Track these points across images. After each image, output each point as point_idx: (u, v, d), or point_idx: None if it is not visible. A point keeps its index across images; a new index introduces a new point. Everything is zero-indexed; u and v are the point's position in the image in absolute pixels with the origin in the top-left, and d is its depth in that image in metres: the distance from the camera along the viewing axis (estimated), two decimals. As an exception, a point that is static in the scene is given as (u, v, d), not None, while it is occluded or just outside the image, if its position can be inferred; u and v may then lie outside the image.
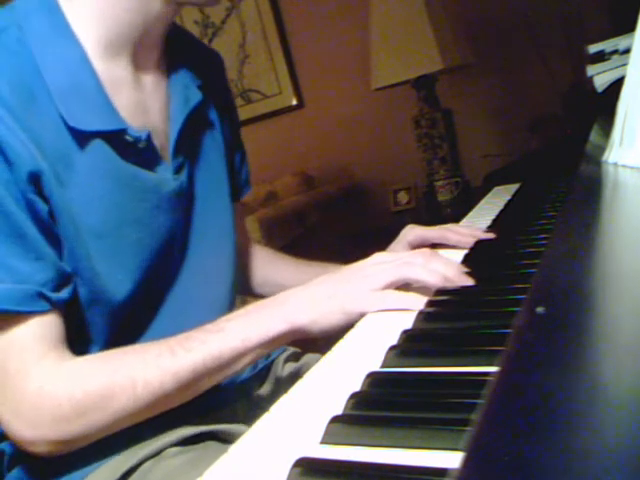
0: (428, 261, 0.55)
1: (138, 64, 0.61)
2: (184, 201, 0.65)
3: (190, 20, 2.70)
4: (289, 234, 1.96)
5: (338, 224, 2.26)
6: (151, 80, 0.63)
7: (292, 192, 2.30)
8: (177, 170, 0.64)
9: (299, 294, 0.56)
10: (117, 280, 0.59)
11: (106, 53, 0.58)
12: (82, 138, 0.55)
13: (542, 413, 0.21)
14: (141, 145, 0.59)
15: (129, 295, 0.60)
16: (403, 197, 2.15)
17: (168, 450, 0.59)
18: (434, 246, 0.72)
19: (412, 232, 0.74)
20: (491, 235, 0.71)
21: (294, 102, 2.59)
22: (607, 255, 0.37)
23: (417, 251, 0.58)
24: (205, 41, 2.69)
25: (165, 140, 0.63)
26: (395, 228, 1.93)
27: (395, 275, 0.54)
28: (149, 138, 0.60)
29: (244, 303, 0.87)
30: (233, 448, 0.36)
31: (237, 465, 0.34)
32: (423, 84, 2.01)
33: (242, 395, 0.73)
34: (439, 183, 2.02)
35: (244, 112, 2.69)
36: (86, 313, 0.59)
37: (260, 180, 2.53)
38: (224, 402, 0.68)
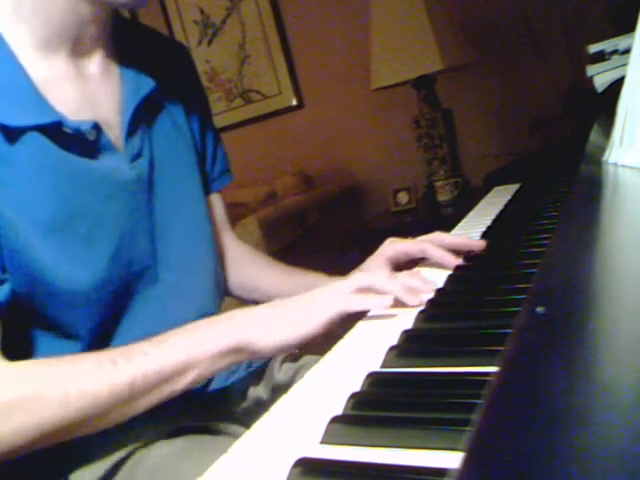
0: (390, 274, 0.57)
1: (81, 59, 0.62)
2: (145, 189, 0.65)
3: (190, 20, 2.70)
4: (289, 234, 1.96)
5: (338, 224, 2.26)
6: (98, 73, 0.63)
7: (292, 192, 2.29)
8: (134, 159, 0.63)
9: (250, 311, 0.55)
10: (73, 273, 0.57)
11: (41, 50, 0.58)
12: (15, 134, 0.54)
13: (542, 413, 0.21)
14: (90, 137, 0.58)
15: (95, 286, 0.59)
16: (403, 197, 2.15)
17: (159, 441, 0.59)
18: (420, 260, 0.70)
19: (391, 247, 0.71)
20: (479, 244, 0.67)
21: (294, 102, 2.59)
22: (607, 255, 0.37)
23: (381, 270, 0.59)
24: (205, 41, 2.70)
25: (119, 130, 0.63)
26: (395, 228, 1.95)
27: (353, 284, 0.55)
28: (97, 129, 0.59)
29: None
30: (233, 448, 0.36)
31: (237, 465, 0.34)
32: (423, 84, 2.01)
33: (237, 395, 0.72)
34: (439, 183, 2.02)
35: (244, 112, 2.69)
36: (51, 308, 0.58)
37: (260, 180, 2.53)
38: (218, 402, 0.68)
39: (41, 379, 0.49)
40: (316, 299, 0.55)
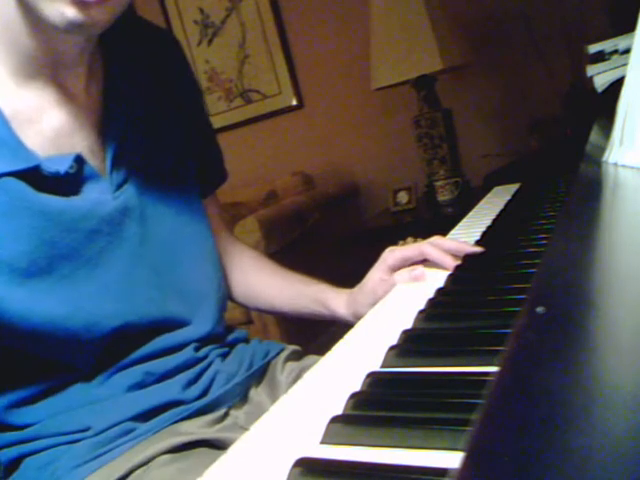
0: None
1: (63, 83, 0.57)
2: (135, 217, 0.61)
3: (190, 20, 2.70)
4: (289, 234, 1.96)
5: (338, 224, 2.26)
6: (83, 95, 0.59)
7: (292, 192, 2.30)
8: (119, 186, 0.60)
9: None
10: (56, 315, 0.55)
11: (18, 77, 0.54)
12: None
13: (542, 413, 0.21)
14: (71, 170, 0.55)
15: (84, 325, 0.57)
16: (403, 197, 2.15)
17: (158, 459, 0.57)
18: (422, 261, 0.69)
19: (391, 256, 0.69)
20: (478, 249, 0.65)
21: (294, 102, 2.59)
22: (607, 255, 0.37)
23: None
24: (205, 41, 2.70)
25: (103, 156, 0.60)
26: (395, 228, 1.95)
27: None
28: (78, 160, 0.56)
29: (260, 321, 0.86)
30: (233, 448, 0.36)
31: (237, 465, 0.34)
32: (423, 84, 2.01)
33: (238, 398, 0.69)
34: (439, 183, 2.02)
35: (244, 112, 2.69)
36: (43, 351, 0.57)
37: (260, 180, 2.53)
38: (218, 404, 0.66)
39: None
40: None
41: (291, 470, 0.30)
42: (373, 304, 0.65)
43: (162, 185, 0.65)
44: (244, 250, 0.85)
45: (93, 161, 0.59)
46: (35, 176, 0.53)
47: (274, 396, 0.70)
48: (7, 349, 0.57)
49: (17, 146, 0.53)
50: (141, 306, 0.62)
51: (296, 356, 0.77)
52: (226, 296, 0.77)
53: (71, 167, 0.55)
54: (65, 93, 0.58)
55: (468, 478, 0.18)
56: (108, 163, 0.59)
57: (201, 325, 0.68)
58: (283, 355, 0.76)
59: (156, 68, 0.68)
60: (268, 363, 0.74)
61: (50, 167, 0.54)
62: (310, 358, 0.76)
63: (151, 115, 0.66)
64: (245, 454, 0.35)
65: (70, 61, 0.57)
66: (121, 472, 0.56)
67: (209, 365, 0.67)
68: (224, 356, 0.70)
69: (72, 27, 0.49)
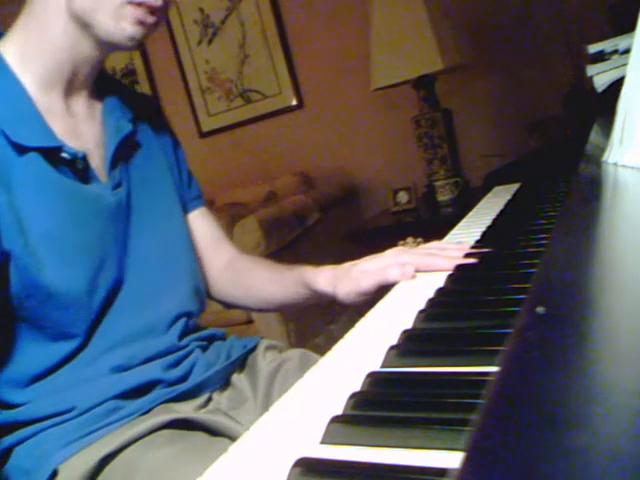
0: None
1: (71, 97, 0.71)
2: (123, 215, 0.73)
3: (190, 20, 2.70)
4: (289, 234, 1.96)
5: (338, 224, 2.26)
6: (83, 111, 0.73)
7: (292, 192, 2.29)
8: (115, 187, 0.72)
9: None
10: (69, 276, 0.65)
11: (42, 87, 0.67)
12: (22, 152, 0.63)
13: (542, 413, 0.21)
14: (79, 165, 0.67)
15: (85, 289, 0.65)
16: (403, 197, 2.15)
17: (152, 438, 0.61)
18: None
19: (395, 259, 0.66)
20: (478, 251, 0.65)
21: (294, 102, 2.59)
22: (607, 255, 0.37)
23: None
24: (205, 41, 2.70)
25: (101, 162, 0.72)
26: (395, 228, 1.95)
27: None
28: (85, 158, 0.68)
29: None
30: (233, 448, 0.36)
31: (237, 465, 0.34)
32: (423, 84, 2.01)
33: (218, 384, 0.75)
34: (439, 183, 2.02)
35: (244, 112, 2.69)
36: (49, 311, 0.64)
37: (260, 180, 2.53)
38: (200, 389, 0.71)
39: None
40: None
41: (291, 470, 0.30)
42: (353, 291, 0.67)
43: (145, 195, 0.77)
44: (244, 257, 0.91)
45: (93, 164, 0.70)
46: (55, 157, 0.65)
47: (255, 383, 0.76)
48: (18, 318, 0.64)
49: (45, 129, 0.65)
50: (125, 280, 0.71)
51: (276, 348, 0.82)
52: (201, 286, 0.84)
53: (79, 162, 0.67)
54: (71, 108, 0.71)
55: (468, 478, 0.18)
56: (107, 167, 0.71)
57: (175, 303, 0.76)
58: (262, 346, 0.81)
59: (141, 117, 0.81)
60: (248, 353, 0.80)
61: (70, 150, 0.66)
62: (291, 351, 0.81)
63: (140, 142, 0.79)
64: (245, 454, 0.35)
65: (80, 81, 0.71)
66: (108, 450, 0.59)
67: (189, 353, 0.74)
68: (203, 349, 0.77)
69: (126, 41, 0.65)
